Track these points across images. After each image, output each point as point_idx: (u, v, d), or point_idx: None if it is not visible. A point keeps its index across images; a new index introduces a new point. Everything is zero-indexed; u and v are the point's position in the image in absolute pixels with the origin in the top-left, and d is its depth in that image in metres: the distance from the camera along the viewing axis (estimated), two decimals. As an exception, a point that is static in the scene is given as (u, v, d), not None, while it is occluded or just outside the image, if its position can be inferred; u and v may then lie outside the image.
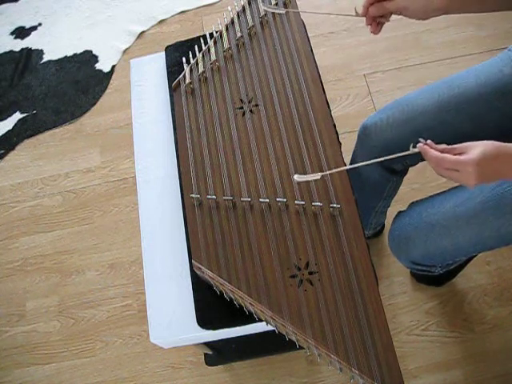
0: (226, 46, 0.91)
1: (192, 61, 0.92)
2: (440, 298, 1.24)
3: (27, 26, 2.02)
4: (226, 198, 0.76)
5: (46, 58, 1.91)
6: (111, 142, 1.66)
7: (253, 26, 0.92)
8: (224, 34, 0.92)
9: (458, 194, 0.81)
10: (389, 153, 0.68)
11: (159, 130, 0.93)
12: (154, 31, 1.91)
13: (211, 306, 0.74)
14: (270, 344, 1.09)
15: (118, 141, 1.66)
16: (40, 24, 2.02)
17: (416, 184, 1.38)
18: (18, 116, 1.78)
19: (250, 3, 0.96)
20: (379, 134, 0.91)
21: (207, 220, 0.76)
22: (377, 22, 0.78)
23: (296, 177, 0.69)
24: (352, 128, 1.43)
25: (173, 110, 0.91)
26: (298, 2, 0.94)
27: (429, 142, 0.62)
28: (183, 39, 1.02)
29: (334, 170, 0.71)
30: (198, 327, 0.74)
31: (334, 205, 0.72)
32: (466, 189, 0.80)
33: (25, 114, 1.78)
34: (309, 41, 0.90)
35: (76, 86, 1.81)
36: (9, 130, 1.76)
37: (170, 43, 1.02)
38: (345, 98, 1.59)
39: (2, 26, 2.05)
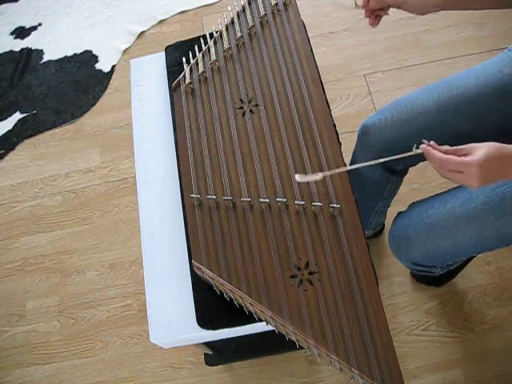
0: (226, 45, 0.91)
1: (192, 61, 0.92)
2: (440, 298, 1.24)
3: (27, 26, 2.02)
4: (225, 197, 0.76)
5: (46, 58, 1.91)
6: (111, 141, 1.66)
7: (253, 25, 0.92)
8: (224, 33, 0.92)
9: (459, 194, 0.80)
10: (389, 153, 0.68)
11: (159, 130, 0.93)
12: (153, 31, 1.91)
13: (211, 306, 0.74)
14: (270, 344, 1.09)
15: (118, 141, 1.66)
16: (40, 24, 2.02)
17: (416, 184, 1.38)
18: (17, 116, 1.78)
19: (250, 3, 0.96)
20: (379, 134, 0.91)
21: (207, 220, 0.76)
22: (375, 15, 0.78)
23: (297, 177, 0.69)
24: (352, 128, 1.43)
25: (173, 110, 0.91)
26: (298, 2, 0.94)
27: (432, 143, 0.62)
28: (183, 39, 1.02)
29: (336, 171, 0.71)
30: (198, 327, 0.74)
31: (334, 205, 0.72)
32: (466, 189, 0.80)
33: (25, 114, 1.78)
34: (309, 41, 0.90)
35: (76, 86, 1.81)
36: (9, 130, 1.76)
37: (170, 43, 1.02)
38: (345, 98, 1.59)
39: (2, 25, 2.05)
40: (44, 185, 1.62)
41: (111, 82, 1.80)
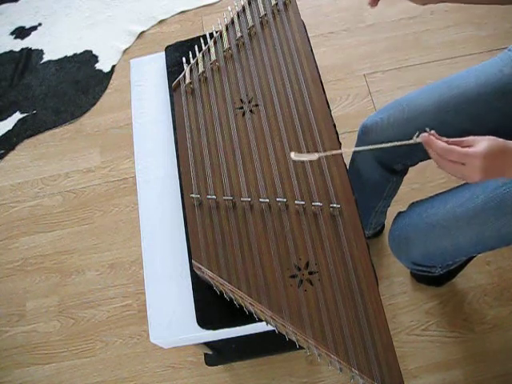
0: (226, 45, 0.91)
1: (192, 61, 0.92)
2: (440, 298, 1.24)
3: (27, 26, 2.02)
4: (226, 197, 0.76)
5: (46, 58, 1.91)
6: (111, 141, 1.66)
7: (253, 25, 0.92)
8: (224, 33, 0.92)
9: (459, 194, 0.80)
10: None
11: (159, 130, 0.93)
12: (153, 31, 1.91)
13: (211, 306, 0.74)
14: (270, 344, 1.09)
15: (118, 141, 1.66)
16: (40, 24, 2.02)
17: (416, 184, 1.38)
18: (18, 116, 1.78)
19: (250, 3, 0.96)
20: (379, 134, 0.91)
21: (207, 220, 0.76)
22: None
23: (293, 155, 0.67)
24: (352, 128, 1.43)
25: (173, 110, 0.91)
26: (298, 2, 0.94)
27: (433, 132, 0.60)
28: (183, 39, 1.02)
29: (332, 152, 0.69)
30: (198, 327, 0.74)
31: (334, 205, 0.72)
32: (466, 189, 0.80)
33: (25, 114, 1.78)
34: (309, 41, 0.90)
35: (76, 86, 1.81)
36: (9, 130, 1.76)
37: (170, 43, 1.02)
38: (345, 98, 1.59)
39: (2, 25, 2.05)
40: (44, 185, 1.62)
41: (111, 81, 1.80)
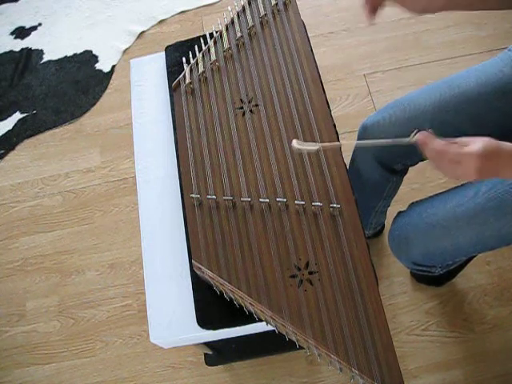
0: (226, 45, 0.91)
1: (192, 61, 0.92)
2: (440, 298, 1.24)
3: (27, 26, 2.02)
4: (226, 198, 0.76)
5: (46, 58, 1.91)
6: (111, 141, 1.66)
7: (253, 25, 0.92)
8: (224, 33, 0.92)
9: (459, 194, 0.80)
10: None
11: (159, 130, 0.93)
12: (153, 31, 1.91)
13: (211, 306, 0.74)
14: (270, 344, 1.09)
15: (118, 141, 1.66)
16: (40, 24, 2.02)
17: (416, 184, 1.38)
18: (18, 116, 1.78)
19: (250, 3, 0.96)
20: (380, 134, 0.91)
21: (207, 220, 0.76)
22: (375, 9, 0.77)
23: (295, 142, 0.67)
24: (352, 128, 1.43)
25: (173, 110, 0.91)
26: (298, 2, 0.94)
27: (430, 130, 0.61)
28: (183, 39, 1.02)
29: (333, 144, 0.71)
30: (198, 327, 0.74)
31: (334, 205, 0.72)
32: (466, 189, 0.80)
33: (25, 114, 1.78)
34: (309, 41, 0.90)
35: (76, 86, 1.81)
36: (9, 130, 1.76)
37: (170, 43, 1.02)
38: (345, 98, 1.59)
39: (2, 25, 2.05)
40: (44, 185, 1.62)
41: (111, 81, 1.80)
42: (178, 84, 0.91)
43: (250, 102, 0.85)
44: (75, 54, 1.90)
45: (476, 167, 0.57)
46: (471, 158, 0.57)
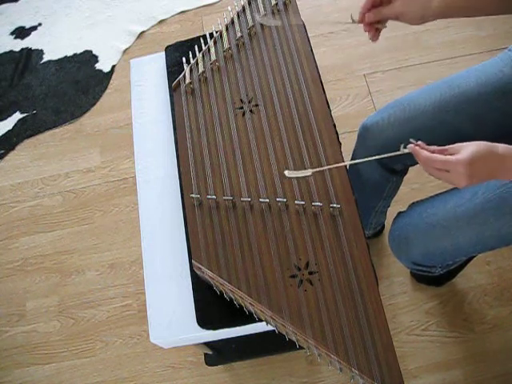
0: (226, 45, 0.91)
1: (192, 61, 0.92)
2: (440, 298, 1.24)
3: (27, 26, 2.02)
4: (226, 197, 0.76)
5: (46, 58, 1.91)
6: (111, 141, 1.66)
7: (253, 26, 0.92)
8: (224, 33, 0.92)
9: (459, 194, 0.80)
10: (389, 153, 0.68)
11: (159, 130, 0.93)
12: (153, 31, 1.91)
13: (211, 306, 0.74)
14: (270, 344, 1.09)
15: (118, 141, 1.66)
16: (40, 24, 2.02)
17: (416, 184, 1.38)
18: (17, 116, 1.78)
19: (250, 3, 0.96)
20: (380, 133, 0.91)
21: (207, 220, 0.76)
22: (375, 29, 0.79)
23: (287, 173, 0.69)
24: (352, 128, 1.43)
25: (173, 110, 0.91)
26: (298, 2, 0.94)
27: (419, 142, 0.63)
28: (183, 39, 1.02)
29: (325, 168, 0.72)
30: (198, 327, 0.74)
31: (334, 205, 0.72)
32: (466, 189, 0.80)
33: (25, 114, 1.78)
34: (309, 41, 0.90)
35: (76, 86, 1.81)
36: (9, 130, 1.76)
37: (170, 43, 1.02)
38: (345, 98, 1.59)
39: (2, 25, 2.05)
40: (44, 185, 1.62)
41: (111, 81, 1.80)
42: (178, 84, 0.91)
43: (250, 102, 0.85)
44: (75, 54, 1.90)
45: (465, 174, 0.59)
46: (459, 165, 0.59)
